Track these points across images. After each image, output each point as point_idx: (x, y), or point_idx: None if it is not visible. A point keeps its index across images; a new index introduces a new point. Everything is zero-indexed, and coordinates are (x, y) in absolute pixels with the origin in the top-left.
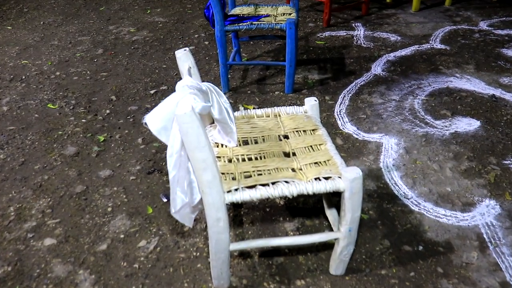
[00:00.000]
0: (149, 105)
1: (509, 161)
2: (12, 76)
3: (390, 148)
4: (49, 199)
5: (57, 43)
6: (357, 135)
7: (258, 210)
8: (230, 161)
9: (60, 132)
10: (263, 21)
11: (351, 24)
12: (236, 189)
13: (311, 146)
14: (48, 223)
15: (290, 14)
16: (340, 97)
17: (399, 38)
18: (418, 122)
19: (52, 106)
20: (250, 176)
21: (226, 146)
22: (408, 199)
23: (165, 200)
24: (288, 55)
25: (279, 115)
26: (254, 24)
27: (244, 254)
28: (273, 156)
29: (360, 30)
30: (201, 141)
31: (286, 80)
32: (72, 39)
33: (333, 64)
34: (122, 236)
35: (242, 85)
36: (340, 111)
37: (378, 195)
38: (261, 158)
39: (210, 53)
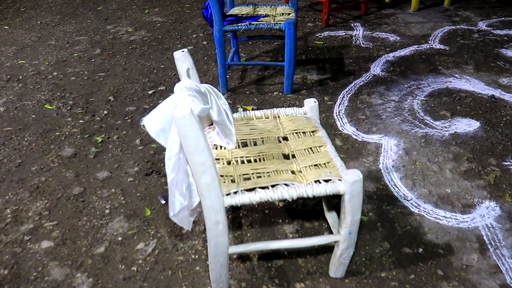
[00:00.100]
0: (147, 106)
1: (509, 162)
2: (9, 76)
3: (389, 149)
4: (46, 201)
5: (54, 43)
6: (356, 136)
7: (257, 212)
8: (229, 163)
9: (58, 133)
10: (262, 21)
11: (350, 24)
12: (235, 192)
13: (310, 148)
14: (45, 226)
15: (289, 14)
16: (339, 97)
17: (398, 38)
18: (418, 122)
19: (49, 107)
20: (250, 179)
21: (225, 148)
22: (408, 200)
23: (163, 202)
24: (287, 55)
25: (278, 117)
26: (253, 24)
27: (243, 257)
28: (273, 158)
29: (359, 30)
30: (200, 144)
31: (285, 80)
32: (69, 39)
33: (332, 64)
34: (120, 238)
35: (240, 85)
36: (339, 112)
37: (377, 197)
38: (260, 160)
39: (208, 53)
